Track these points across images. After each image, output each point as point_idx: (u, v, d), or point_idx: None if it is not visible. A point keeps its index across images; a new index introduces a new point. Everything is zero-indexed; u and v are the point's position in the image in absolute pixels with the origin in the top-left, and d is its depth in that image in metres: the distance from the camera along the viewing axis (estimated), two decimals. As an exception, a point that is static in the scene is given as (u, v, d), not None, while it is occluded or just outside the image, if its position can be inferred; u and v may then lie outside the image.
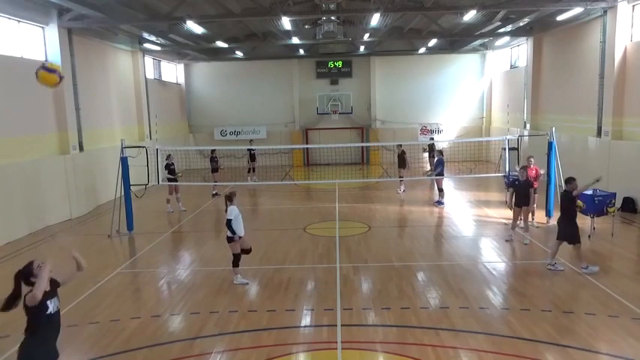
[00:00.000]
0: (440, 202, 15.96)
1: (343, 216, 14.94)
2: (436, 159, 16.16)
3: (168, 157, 15.63)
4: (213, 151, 18.90)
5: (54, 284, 4.85)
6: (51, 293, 4.75)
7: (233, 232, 9.12)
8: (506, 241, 11.65)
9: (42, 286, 4.53)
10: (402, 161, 18.14)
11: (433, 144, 23.34)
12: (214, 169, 18.65)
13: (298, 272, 9.88)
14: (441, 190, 16.08)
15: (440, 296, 8.46)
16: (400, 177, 18.36)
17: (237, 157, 26.17)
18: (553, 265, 9.51)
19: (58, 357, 4.85)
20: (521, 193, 11.36)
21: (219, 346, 6.80)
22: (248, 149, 21.53)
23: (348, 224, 13.87)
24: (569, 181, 9.49)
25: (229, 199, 9.31)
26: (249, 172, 22.16)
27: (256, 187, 20.81)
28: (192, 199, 18.13)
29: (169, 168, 15.54)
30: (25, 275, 4.70)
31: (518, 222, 11.82)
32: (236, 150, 25.27)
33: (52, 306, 4.69)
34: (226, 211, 9.25)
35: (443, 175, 16.16)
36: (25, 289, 4.66)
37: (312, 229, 13.45)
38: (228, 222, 9.09)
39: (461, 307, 7.96)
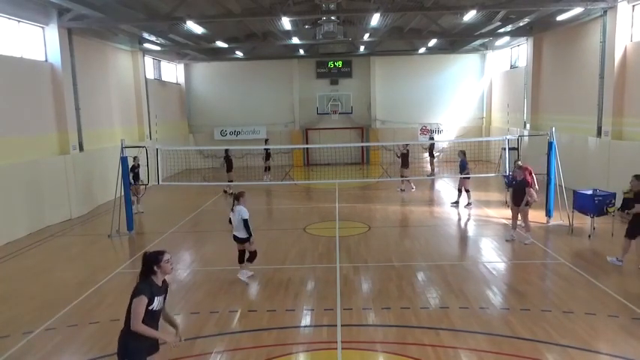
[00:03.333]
0: (456, 202, 15.86)
1: (343, 216, 14.94)
2: (460, 160, 15.90)
3: (135, 158, 15.49)
4: (227, 150, 18.98)
5: (164, 283, 4.83)
6: (161, 290, 4.74)
7: (249, 232, 9.16)
8: (507, 241, 11.65)
9: (164, 276, 4.74)
10: (405, 160, 18.12)
11: (433, 144, 23.37)
12: (229, 169, 18.76)
13: (298, 272, 9.89)
14: (466, 191, 15.62)
15: (440, 296, 8.46)
16: (402, 176, 18.28)
17: (237, 157, 26.15)
18: None
19: (156, 351, 4.81)
20: (517, 191, 11.44)
21: (219, 346, 6.80)
22: (264, 149, 21.95)
23: (348, 224, 13.87)
24: None
25: (237, 198, 9.32)
26: (265, 170, 22.40)
27: (259, 186, 20.78)
28: (192, 199, 18.16)
29: (134, 172, 15.38)
30: (151, 261, 4.68)
31: (518, 221, 11.81)
32: (238, 150, 25.26)
33: (156, 302, 4.65)
34: (232, 210, 9.25)
35: (468, 176, 15.64)
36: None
37: (312, 229, 13.45)
38: (246, 222, 9.12)
39: (461, 307, 7.96)
